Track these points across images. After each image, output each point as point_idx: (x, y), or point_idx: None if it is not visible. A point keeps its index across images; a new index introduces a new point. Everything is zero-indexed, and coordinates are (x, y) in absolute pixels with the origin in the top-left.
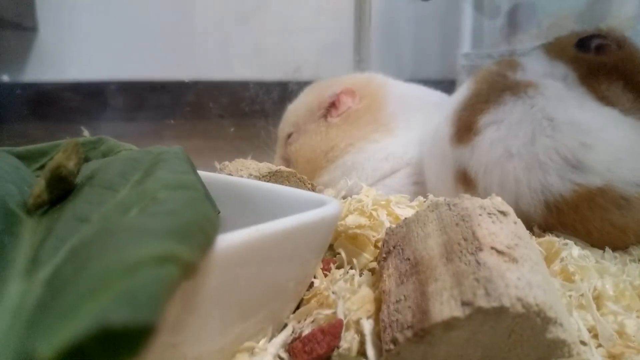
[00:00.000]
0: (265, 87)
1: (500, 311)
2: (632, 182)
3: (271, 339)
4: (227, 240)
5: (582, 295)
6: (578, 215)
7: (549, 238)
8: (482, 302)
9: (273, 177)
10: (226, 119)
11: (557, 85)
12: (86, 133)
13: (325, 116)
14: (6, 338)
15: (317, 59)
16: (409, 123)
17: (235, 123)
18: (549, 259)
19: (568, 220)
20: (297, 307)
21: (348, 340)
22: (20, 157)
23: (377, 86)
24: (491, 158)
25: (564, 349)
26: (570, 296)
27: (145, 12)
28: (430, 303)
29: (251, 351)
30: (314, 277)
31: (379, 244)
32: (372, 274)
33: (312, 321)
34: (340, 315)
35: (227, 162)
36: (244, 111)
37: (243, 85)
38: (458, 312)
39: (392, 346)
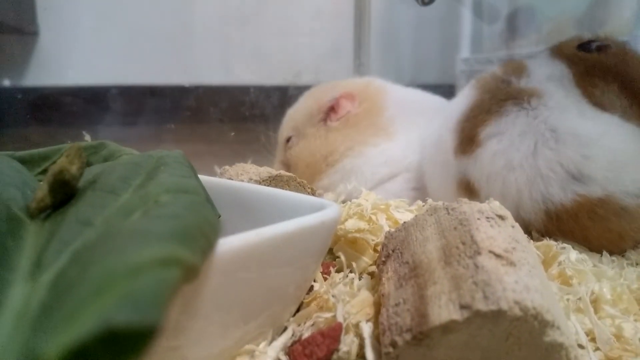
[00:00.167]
0: (265, 91)
1: (498, 314)
2: (633, 193)
3: (271, 342)
4: (228, 243)
5: (579, 298)
6: (578, 225)
7: (546, 242)
8: (480, 306)
9: (273, 181)
10: (226, 123)
11: (559, 92)
12: (88, 137)
13: (324, 120)
14: (11, 339)
15: (316, 63)
16: (408, 127)
17: (235, 127)
18: (546, 263)
19: (567, 228)
20: (297, 311)
21: (347, 344)
22: (22, 161)
23: (376, 90)
24: (493, 169)
25: (562, 352)
26: (568, 300)
27: (146, 17)
28: (428, 306)
29: (251, 354)
30: (314, 281)
31: (378, 248)
32: (372, 278)
33: (312, 324)
34: (340, 319)
35: (227, 167)
36: (244, 115)
37: (243, 89)
38: (456, 315)
39: (391, 349)
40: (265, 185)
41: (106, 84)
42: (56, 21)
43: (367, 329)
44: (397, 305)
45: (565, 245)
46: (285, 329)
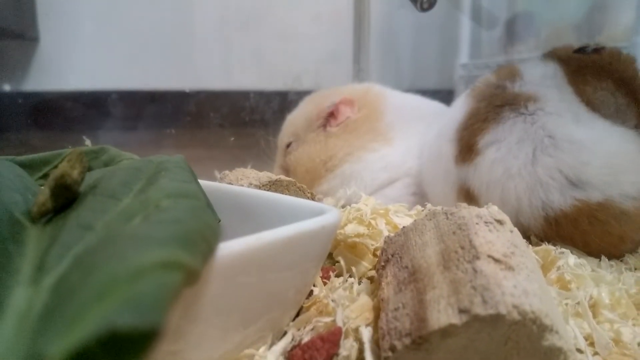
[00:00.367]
0: (265, 96)
1: (496, 318)
2: (631, 195)
3: (271, 346)
4: (228, 248)
5: (578, 303)
6: (577, 229)
7: (545, 247)
8: (479, 310)
9: (273, 186)
10: (226, 128)
11: (554, 94)
12: (88, 142)
13: (324, 126)
14: (14, 342)
15: (316, 68)
16: (407, 133)
17: (235, 132)
18: (545, 268)
19: (566, 233)
20: (297, 315)
21: (347, 348)
22: (23, 165)
23: (375, 96)
24: (492, 177)
25: (560, 357)
26: (566, 304)
27: (146, 22)
28: (428, 311)
29: (251, 358)
30: (314, 285)
31: (378, 253)
32: (371, 282)
33: (312, 329)
34: (340, 323)
35: (227, 171)
36: (244, 120)
37: (243, 94)
38: (455, 319)
39: (390, 353)
40: (265, 190)
41: (106, 88)
42: (57, 26)
43: (366, 333)
44: (396, 309)
45: (564, 250)
46: (285, 333)
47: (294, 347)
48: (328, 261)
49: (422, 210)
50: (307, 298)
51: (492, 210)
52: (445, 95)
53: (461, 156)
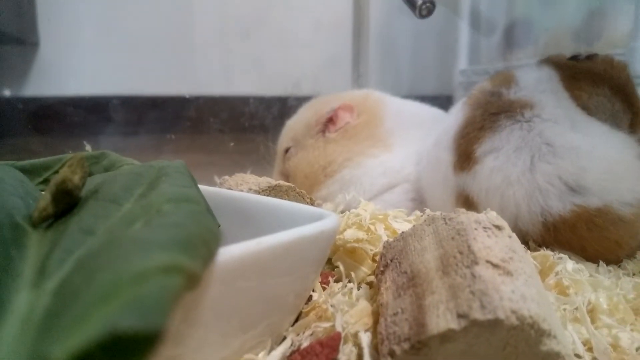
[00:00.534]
0: (264, 102)
1: (495, 323)
2: (629, 202)
3: (270, 351)
4: (228, 253)
5: (576, 308)
6: (576, 235)
7: (543, 252)
8: (478, 315)
9: (272, 191)
10: (226, 133)
11: (550, 100)
12: (88, 147)
13: (323, 131)
14: (18, 344)
15: (316, 74)
16: (406, 139)
17: (235, 138)
18: (543, 273)
19: (565, 238)
20: (296, 320)
21: (346, 353)
22: (24, 171)
23: (374, 102)
24: (491, 185)
25: None
26: (564, 309)
27: (147, 28)
28: (426, 316)
29: None
30: (313, 291)
31: (377, 258)
32: (370, 287)
33: (311, 334)
34: (339, 328)
35: (226, 177)
36: (243, 126)
37: (243, 100)
38: (454, 324)
39: (389, 358)
40: (264, 195)
41: (107, 94)
42: (57, 32)
43: (365, 338)
44: (395, 314)
45: (562, 255)
46: (284, 338)
47: (293, 352)
48: (327, 266)
49: (421, 216)
50: (306, 303)
51: (491, 215)
52: (444, 101)
53: (459, 164)
